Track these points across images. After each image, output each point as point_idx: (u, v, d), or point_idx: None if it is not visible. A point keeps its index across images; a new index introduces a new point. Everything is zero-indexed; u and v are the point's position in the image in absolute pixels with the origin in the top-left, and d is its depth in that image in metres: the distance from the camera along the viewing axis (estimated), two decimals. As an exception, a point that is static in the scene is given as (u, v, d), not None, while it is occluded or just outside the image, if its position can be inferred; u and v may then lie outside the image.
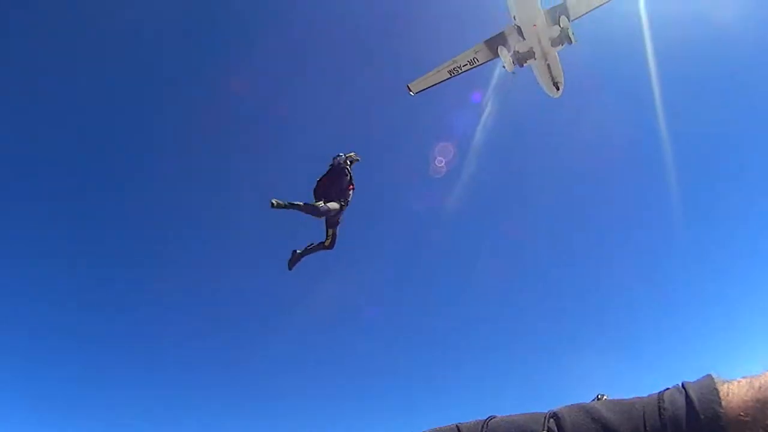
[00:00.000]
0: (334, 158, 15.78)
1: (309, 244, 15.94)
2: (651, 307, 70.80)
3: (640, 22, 32.27)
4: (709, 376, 3.46)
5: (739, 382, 3.46)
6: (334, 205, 15.03)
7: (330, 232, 15.83)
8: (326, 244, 15.89)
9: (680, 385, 3.74)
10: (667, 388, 3.68)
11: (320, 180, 15.57)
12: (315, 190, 15.37)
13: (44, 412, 56.78)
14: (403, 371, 68.50)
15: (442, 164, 38.81)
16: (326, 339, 67.83)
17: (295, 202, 14.22)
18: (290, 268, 15.91)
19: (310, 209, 14.54)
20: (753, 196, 58.31)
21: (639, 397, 3.56)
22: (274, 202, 13.79)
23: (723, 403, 3.38)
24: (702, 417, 3.40)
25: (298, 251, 15.75)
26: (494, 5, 27.66)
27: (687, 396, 3.51)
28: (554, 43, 24.92)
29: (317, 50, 56.88)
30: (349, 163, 15.88)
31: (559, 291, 74.02)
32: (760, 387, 3.27)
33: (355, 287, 66.83)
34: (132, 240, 64.51)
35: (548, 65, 26.27)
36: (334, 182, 15.47)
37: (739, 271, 63.50)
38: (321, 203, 14.74)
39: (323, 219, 15.42)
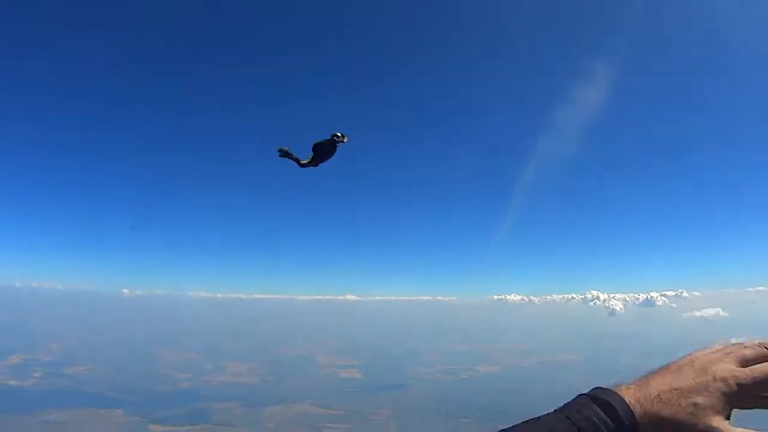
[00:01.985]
0: (333, 135, 19.20)
1: (298, 158, 19.90)
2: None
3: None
4: (605, 388, 4.17)
5: (635, 386, 4.09)
6: (313, 162, 19.71)
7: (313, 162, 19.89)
8: (302, 163, 19.83)
9: (582, 399, 4.41)
10: (566, 405, 4.46)
11: (319, 143, 19.48)
12: (313, 146, 19.52)
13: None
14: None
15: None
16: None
17: (294, 156, 19.69)
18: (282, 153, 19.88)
19: (297, 161, 19.70)
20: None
21: (536, 418, 4.59)
22: (281, 150, 19.69)
23: (637, 410, 3.94)
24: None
25: (287, 150, 19.83)
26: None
27: (601, 410, 4.09)
28: None
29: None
30: (341, 141, 19.47)
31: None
32: (659, 393, 4.03)
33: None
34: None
35: None
36: (325, 151, 19.51)
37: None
38: (305, 162, 19.69)
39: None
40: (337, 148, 19.84)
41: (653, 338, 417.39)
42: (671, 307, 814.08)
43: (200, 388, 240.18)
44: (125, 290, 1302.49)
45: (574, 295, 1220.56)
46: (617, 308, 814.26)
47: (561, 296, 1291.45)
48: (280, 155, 19.72)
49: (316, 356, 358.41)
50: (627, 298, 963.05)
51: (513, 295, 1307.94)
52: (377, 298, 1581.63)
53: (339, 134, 19.51)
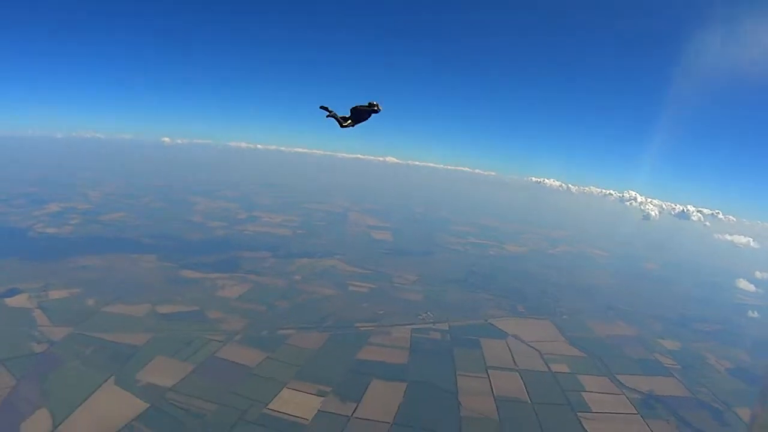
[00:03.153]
0: (369, 102, 23.71)
1: (341, 115, 24.17)
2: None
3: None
4: None
5: None
6: (351, 123, 24.13)
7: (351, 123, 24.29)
8: (344, 125, 24.21)
9: None
10: None
11: (358, 107, 23.84)
12: (351, 109, 23.83)
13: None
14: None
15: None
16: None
17: (334, 114, 24.01)
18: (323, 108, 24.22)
19: (339, 120, 24.01)
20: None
21: None
22: (323, 107, 24.10)
23: None
24: None
25: (330, 110, 24.16)
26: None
27: None
28: None
29: None
30: (375, 109, 23.90)
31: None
32: None
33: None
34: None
35: None
36: (362, 114, 23.96)
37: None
38: (348, 122, 24.12)
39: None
40: (372, 115, 24.53)
41: (681, 251, 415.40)
42: (705, 225, 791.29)
43: (233, 237, 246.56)
44: (166, 139, 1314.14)
45: (612, 192, 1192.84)
46: (652, 213, 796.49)
47: (599, 190, 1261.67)
48: (327, 114, 24.22)
49: (350, 215, 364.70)
50: (663, 206, 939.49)
51: (552, 180, 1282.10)
52: (417, 163, 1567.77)
53: (375, 103, 23.82)
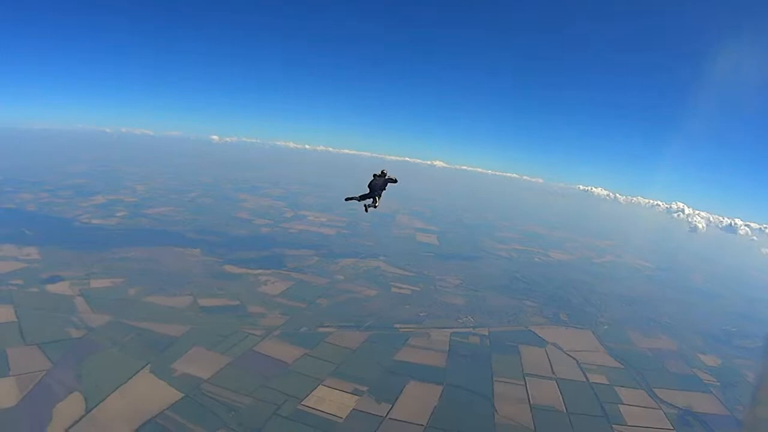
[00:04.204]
0: (382, 171, 29.38)
1: (365, 201, 29.19)
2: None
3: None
4: None
5: None
6: (372, 199, 29.16)
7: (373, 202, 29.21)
8: (375, 205, 29.26)
9: None
10: None
11: (374, 182, 29.01)
12: (369, 184, 28.87)
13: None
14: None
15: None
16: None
17: (357, 198, 29.08)
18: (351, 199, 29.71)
19: (362, 200, 29.06)
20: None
21: None
22: (348, 199, 29.43)
23: None
24: None
25: (356, 198, 29.23)
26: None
27: None
28: None
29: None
30: (390, 179, 29.30)
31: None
32: None
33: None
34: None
35: None
36: (379, 185, 28.63)
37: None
38: (367, 201, 29.15)
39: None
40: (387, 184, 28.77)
41: (727, 265, 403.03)
42: (752, 239, 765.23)
43: (278, 235, 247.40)
44: (214, 137, 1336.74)
45: (659, 202, 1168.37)
46: (699, 226, 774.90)
47: (647, 200, 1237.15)
48: (350, 198, 29.35)
49: (397, 217, 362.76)
50: (711, 218, 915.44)
51: (600, 189, 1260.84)
52: (465, 167, 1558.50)
53: (385, 171, 28.79)
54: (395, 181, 29.70)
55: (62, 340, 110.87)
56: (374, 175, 29.65)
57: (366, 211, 29.16)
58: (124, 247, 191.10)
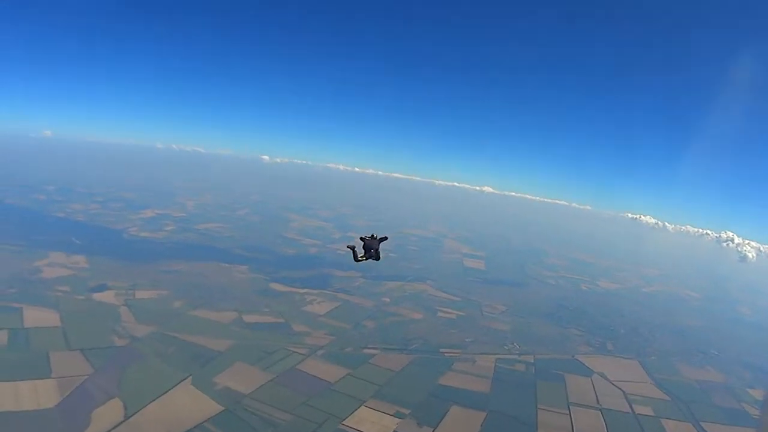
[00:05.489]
0: (372, 234, 30.60)
1: (367, 258, 30.35)
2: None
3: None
4: None
5: None
6: (370, 257, 30.42)
7: (376, 255, 30.47)
8: (376, 259, 30.57)
9: None
10: None
11: (365, 240, 30.31)
12: (363, 247, 30.11)
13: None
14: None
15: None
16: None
17: (358, 257, 30.15)
18: (356, 261, 30.42)
19: (355, 259, 30.14)
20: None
21: None
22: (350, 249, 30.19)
23: None
24: None
25: (360, 256, 30.22)
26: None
27: None
28: None
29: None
30: (382, 239, 30.71)
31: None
32: None
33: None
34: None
35: None
36: (374, 246, 30.07)
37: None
38: (363, 259, 30.36)
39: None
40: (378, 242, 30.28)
41: None
42: None
43: (325, 256, 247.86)
44: (265, 156, 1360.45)
45: (708, 231, 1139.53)
46: (749, 255, 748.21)
47: (696, 229, 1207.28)
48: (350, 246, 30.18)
49: (444, 241, 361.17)
50: (761, 248, 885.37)
51: (648, 216, 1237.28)
52: (513, 194, 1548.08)
53: (375, 235, 30.31)
54: (386, 238, 31.47)
55: (105, 347, 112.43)
56: (363, 238, 31.02)
57: (356, 261, 30.53)
58: (171, 261, 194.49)
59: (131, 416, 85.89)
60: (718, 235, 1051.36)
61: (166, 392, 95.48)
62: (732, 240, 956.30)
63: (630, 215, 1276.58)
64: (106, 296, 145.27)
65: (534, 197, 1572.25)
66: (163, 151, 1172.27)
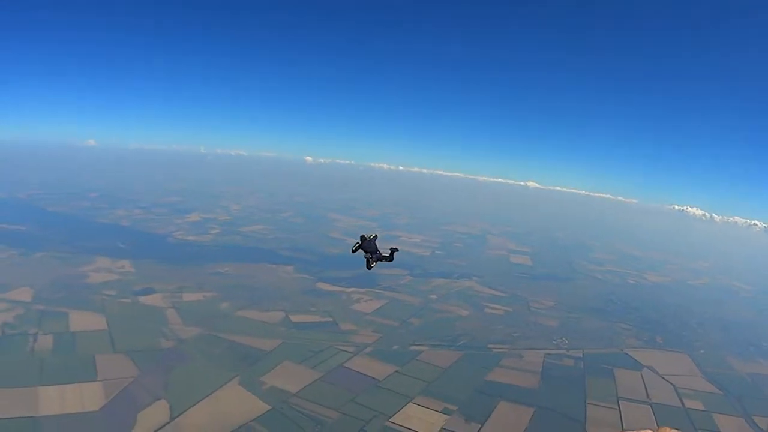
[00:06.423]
0: (368, 234, 30.05)
1: (376, 260, 29.96)
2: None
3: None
4: None
5: None
6: (374, 258, 29.84)
7: (390, 257, 30.51)
8: (389, 260, 30.53)
9: None
10: None
11: (362, 241, 29.49)
12: (362, 247, 29.43)
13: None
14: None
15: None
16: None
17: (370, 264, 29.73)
18: (369, 268, 30.38)
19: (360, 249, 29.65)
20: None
21: None
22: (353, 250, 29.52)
23: None
24: None
25: (371, 262, 29.71)
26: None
27: None
28: None
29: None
30: (375, 237, 30.14)
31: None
32: None
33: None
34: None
35: None
36: (371, 245, 29.55)
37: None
38: (374, 264, 29.95)
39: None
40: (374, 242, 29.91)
41: None
42: None
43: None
44: (308, 158, 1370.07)
45: (757, 222, 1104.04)
46: None
47: (744, 220, 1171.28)
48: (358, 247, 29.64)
49: (490, 237, 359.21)
50: None
51: (695, 208, 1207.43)
52: (558, 188, 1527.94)
53: (371, 234, 29.99)
54: (376, 237, 31.11)
55: (152, 349, 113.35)
56: (362, 238, 30.47)
57: (353, 250, 30.18)
58: (217, 263, 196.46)
59: (177, 417, 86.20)
60: (767, 226, 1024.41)
61: (212, 392, 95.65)
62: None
63: (676, 207, 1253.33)
64: (153, 299, 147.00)
65: (579, 191, 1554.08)
66: (207, 155, 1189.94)
